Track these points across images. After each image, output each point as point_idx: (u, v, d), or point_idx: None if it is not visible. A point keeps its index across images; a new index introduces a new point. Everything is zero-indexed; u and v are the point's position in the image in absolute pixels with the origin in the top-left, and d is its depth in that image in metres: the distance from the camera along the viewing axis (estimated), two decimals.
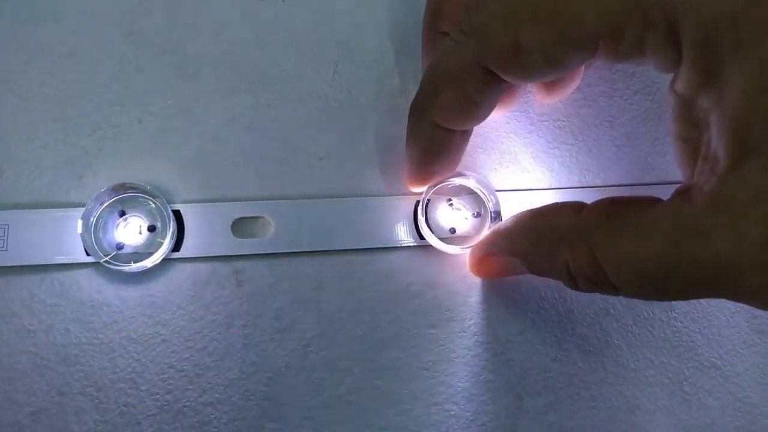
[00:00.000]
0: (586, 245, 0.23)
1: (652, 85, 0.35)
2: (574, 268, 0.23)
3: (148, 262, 0.27)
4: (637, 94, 0.35)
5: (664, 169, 0.34)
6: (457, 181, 0.30)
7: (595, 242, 0.23)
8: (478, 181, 0.30)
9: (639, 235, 0.22)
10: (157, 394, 0.28)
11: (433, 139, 0.27)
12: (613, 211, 0.23)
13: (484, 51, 0.24)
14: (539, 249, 0.26)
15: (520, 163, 0.33)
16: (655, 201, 0.23)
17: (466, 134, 0.28)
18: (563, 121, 0.34)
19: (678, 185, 0.23)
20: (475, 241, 0.30)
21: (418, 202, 0.31)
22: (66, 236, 0.28)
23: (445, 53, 0.25)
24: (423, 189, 0.30)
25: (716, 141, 0.21)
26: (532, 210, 0.26)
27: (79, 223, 0.27)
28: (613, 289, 0.23)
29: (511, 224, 0.27)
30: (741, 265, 0.19)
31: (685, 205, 0.21)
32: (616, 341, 0.31)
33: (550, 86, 0.31)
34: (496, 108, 0.27)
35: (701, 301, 0.33)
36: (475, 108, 0.26)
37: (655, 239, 0.21)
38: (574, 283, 0.24)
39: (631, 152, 0.34)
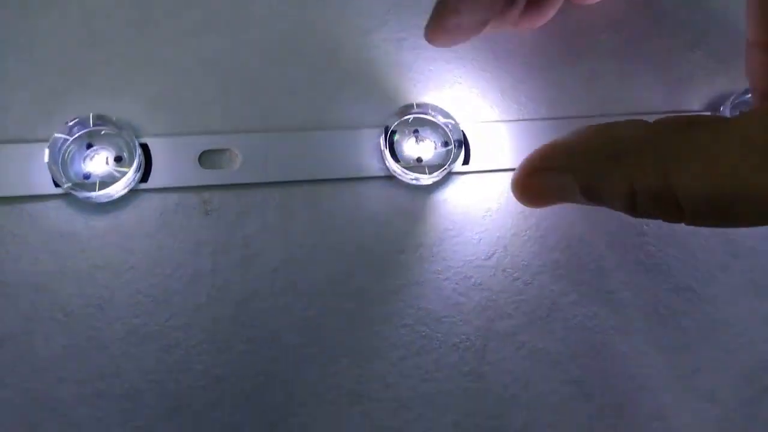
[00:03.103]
0: (656, 158, 0.21)
1: (618, 23, 0.35)
2: (640, 186, 0.21)
3: (114, 189, 0.28)
4: (603, 32, 0.35)
5: (632, 102, 0.34)
6: (422, 114, 0.31)
7: (667, 154, 0.21)
8: (443, 114, 0.31)
9: (715, 148, 0.20)
10: (125, 318, 0.28)
11: None
12: (685, 125, 0.21)
13: None
14: (601, 162, 0.23)
15: (488, 97, 0.33)
16: (728, 118, 0.21)
17: None
18: (529, 57, 0.34)
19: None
20: (441, 170, 0.30)
21: (385, 132, 0.31)
22: (34, 170, 0.28)
23: None
24: (438, 41, 0.28)
25: None
26: (596, 124, 0.24)
27: (46, 152, 0.27)
28: (677, 213, 0.21)
29: (571, 137, 0.24)
30: None
31: (764, 116, 0.20)
32: (589, 266, 0.31)
33: (531, 11, 0.30)
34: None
35: (674, 225, 0.32)
36: None
37: (734, 150, 0.19)
38: (632, 204, 0.22)
39: (598, 86, 0.34)
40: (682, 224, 0.22)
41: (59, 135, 0.27)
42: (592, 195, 0.23)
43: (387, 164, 0.30)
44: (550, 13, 0.31)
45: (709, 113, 0.21)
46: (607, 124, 0.23)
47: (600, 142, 0.23)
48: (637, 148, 0.22)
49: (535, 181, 0.25)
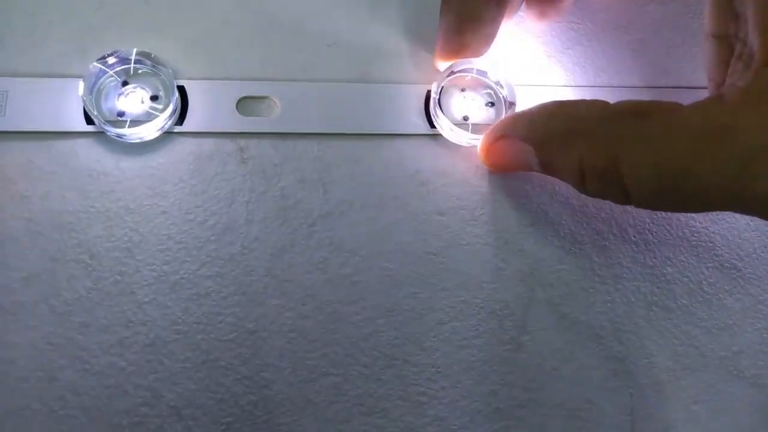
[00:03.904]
0: (607, 140, 0.22)
1: None
2: (588, 163, 0.23)
3: (149, 129, 0.26)
4: (651, 2, 0.34)
5: (680, 74, 0.33)
6: (471, 71, 0.30)
7: (617, 137, 0.22)
8: (492, 73, 0.30)
9: (664, 135, 0.21)
10: (154, 264, 0.26)
11: (469, 5, 0.26)
12: (639, 111, 0.22)
13: None
14: (556, 137, 0.25)
15: (534, 61, 0.32)
16: (682, 106, 0.22)
17: (501, 7, 0.27)
18: (577, 23, 0.33)
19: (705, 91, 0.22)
20: (482, 131, 0.29)
21: (429, 91, 0.30)
22: (67, 106, 0.27)
23: None
24: (448, 63, 0.29)
25: (752, 35, 0.20)
26: (559, 100, 0.26)
27: (81, 84, 0.26)
28: (622, 193, 0.22)
29: (534, 109, 0.26)
30: None
31: (715, 105, 0.20)
32: (633, 238, 0.30)
33: (543, 6, 0.30)
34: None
35: None
36: None
37: (681, 138, 0.20)
38: (581, 180, 0.23)
39: (646, 57, 0.33)
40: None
41: (96, 65, 0.26)
42: (547, 167, 0.25)
43: (434, 121, 0.29)
44: (565, 4, 0.31)
45: (668, 101, 0.22)
46: (569, 102, 0.25)
47: (559, 118, 0.24)
48: (591, 128, 0.23)
49: (498, 148, 0.27)
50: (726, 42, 0.23)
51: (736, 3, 0.22)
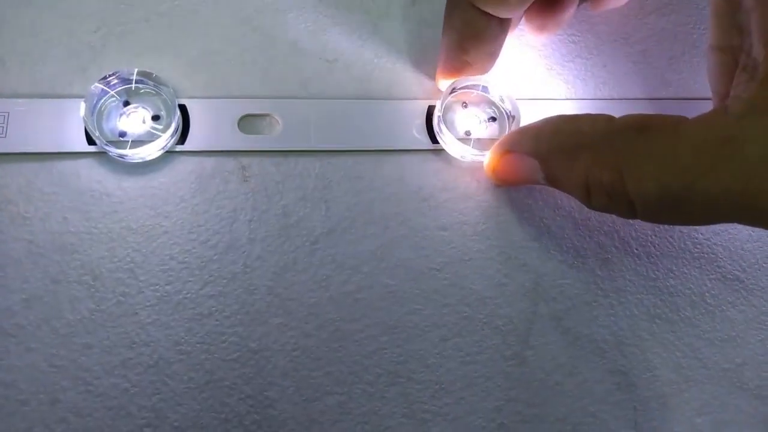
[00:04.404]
0: (612, 154, 0.22)
1: (665, 6, 0.35)
2: (593, 178, 0.23)
3: (150, 149, 0.26)
4: (651, 14, 0.34)
5: (681, 86, 0.33)
6: (476, 87, 0.30)
7: (622, 152, 0.22)
8: (494, 87, 0.30)
9: (669, 148, 0.21)
10: (157, 284, 0.26)
11: (471, 23, 0.26)
12: (644, 125, 0.22)
13: None
14: (561, 152, 0.25)
15: (535, 74, 0.32)
16: (686, 120, 0.22)
17: (504, 25, 0.27)
18: (577, 36, 0.33)
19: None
20: (487, 147, 0.29)
21: (430, 106, 0.30)
22: (68, 126, 0.27)
23: None
24: (450, 81, 0.29)
25: (757, 46, 0.20)
26: (564, 114, 0.26)
27: (82, 105, 0.26)
28: (628, 207, 0.22)
29: (539, 124, 0.26)
30: None
31: (719, 117, 0.20)
32: (635, 250, 0.30)
33: (543, 20, 0.30)
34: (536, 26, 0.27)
35: None
36: None
37: (685, 151, 0.20)
38: (587, 195, 0.24)
39: (647, 68, 0.33)
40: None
41: (98, 85, 0.26)
42: (553, 181, 0.25)
43: (437, 137, 0.29)
44: (562, 21, 0.31)
45: (672, 114, 0.22)
46: (573, 116, 0.25)
47: (564, 133, 0.25)
48: (596, 143, 0.23)
49: (505, 163, 0.27)
50: (730, 54, 0.23)
51: (739, 15, 0.22)
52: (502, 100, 0.30)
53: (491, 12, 0.26)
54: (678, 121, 0.22)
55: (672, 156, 0.21)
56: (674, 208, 0.21)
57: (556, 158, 0.25)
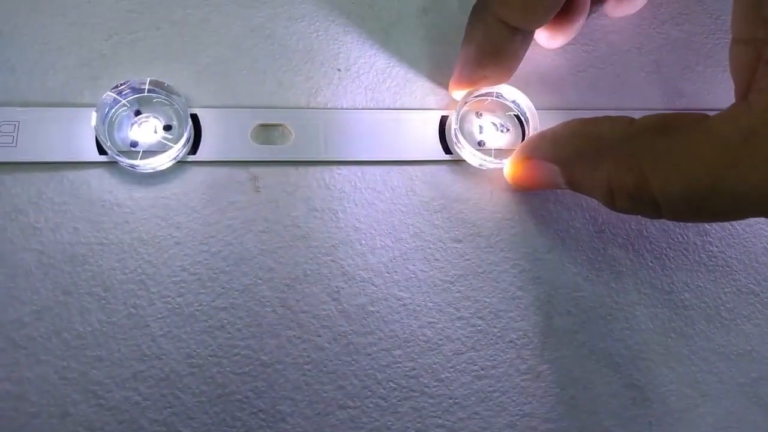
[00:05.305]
0: (634, 157, 0.22)
1: (679, 15, 0.34)
2: (616, 181, 0.22)
3: (162, 160, 0.26)
4: (664, 23, 0.34)
5: (695, 96, 0.33)
6: (492, 95, 0.29)
7: (644, 154, 0.22)
8: (508, 92, 0.29)
9: (692, 147, 0.21)
10: (168, 296, 0.26)
11: (492, 35, 0.26)
12: (665, 125, 0.22)
13: None
14: (583, 156, 0.24)
15: (547, 83, 0.32)
16: (707, 117, 0.22)
17: (526, 39, 0.27)
18: (590, 45, 0.33)
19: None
20: (504, 155, 0.28)
21: (443, 117, 0.30)
22: (78, 135, 0.27)
23: None
24: (463, 92, 0.28)
25: None
26: (583, 118, 0.25)
27: (94, 115, 0.26)
28: (653, 208, 0.22)
29: (558, 129, 0.26)
30: None
31: (741, 112, 0.20)
32: (650, 263, 0.30)
33: (552, 30, 0.30)
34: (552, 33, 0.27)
35: (737, 226, 0.31)
36: (542, 2, 0.25)
37: (708, 148, 0.20)
38: (610, 199, 0.23)
39: (660, 78, 0.33)
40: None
41: (110, 94, 0.26)
42: (575, 185, 0.25)
43: (451, 147, 0.29)
44: (573, 30, 0.31)
45: (692, 112, 0.22)
46: (592, 119, 0.25)
47: (584, 137, 0.24)
48: (617, 146, 0.23)
49: (525, 169, 0.27)
50: (752, 46, 0.22)
51: (763, 7, 0.21)
52: (516, 104, 0.29)
53: (518, 26, 0.25)
54: (699, 119, 0.21)
55: (695, 154, 0.20)
56: (700, 206, 0.21)
57: (577, 163, 0.25)
